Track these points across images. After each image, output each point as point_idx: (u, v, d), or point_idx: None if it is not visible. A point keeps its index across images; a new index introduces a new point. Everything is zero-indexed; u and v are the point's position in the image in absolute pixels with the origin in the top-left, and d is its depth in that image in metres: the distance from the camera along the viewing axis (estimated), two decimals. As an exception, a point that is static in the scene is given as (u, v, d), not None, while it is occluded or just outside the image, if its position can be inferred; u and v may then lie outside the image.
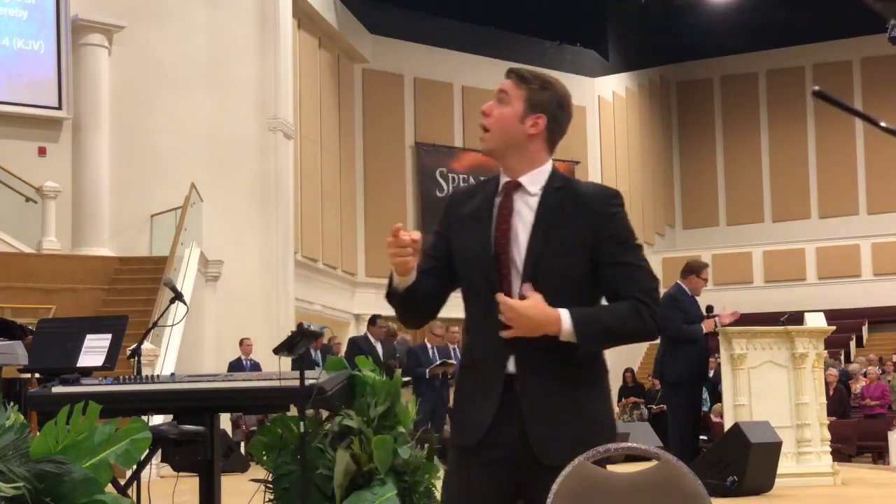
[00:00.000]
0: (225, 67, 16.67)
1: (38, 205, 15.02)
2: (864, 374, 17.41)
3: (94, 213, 15.69)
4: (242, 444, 13.57)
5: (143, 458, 4.25)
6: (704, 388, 11.09)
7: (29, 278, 13.57)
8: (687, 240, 28.20)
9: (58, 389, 4.76)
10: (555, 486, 2.37)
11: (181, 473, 5.13)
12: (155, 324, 7.43)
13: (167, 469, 6.46)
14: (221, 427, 8.88)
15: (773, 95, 28.35)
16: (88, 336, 5.19)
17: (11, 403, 3.44)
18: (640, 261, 2.64)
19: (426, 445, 5.09)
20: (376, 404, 4.90)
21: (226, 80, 16.65)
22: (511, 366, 2.59)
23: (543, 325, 2.52)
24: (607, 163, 25.45)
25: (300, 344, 4.40)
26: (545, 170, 2.68)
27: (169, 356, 12.28)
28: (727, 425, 8.70)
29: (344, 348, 13.89)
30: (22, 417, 3.36)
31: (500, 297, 2.54)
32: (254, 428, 13.67)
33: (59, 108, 15.75)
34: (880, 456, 14.86)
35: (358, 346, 11.98)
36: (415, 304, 2.74)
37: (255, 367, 13.89)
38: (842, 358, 21.69)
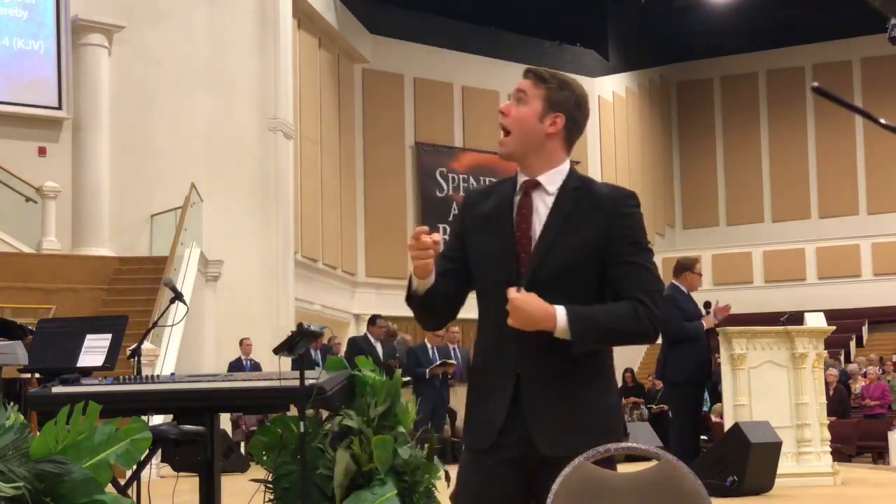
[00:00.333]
0: (225, 67, 16.67)
1: (38, 205, 15.01)
2: (864, 375, 17.41)
3: (94, 213, 15.69)
4: (242, 444, 13.57)
5: (143, 458, 4.25)
6: (704, 388, 11.09)
7: (29, 278, 13.56)
8: (687, 240, 28.19)
9: (58, 389, 4.76)
10: (555, 486, 2.37)
11: (181, 473, 5.12)
12: (155, 324, 7.43)
13: (167, 469, 6.45)
14: (221, 427, 8.88)
15: (773, 95, 28.34)
16: (88, 336, 5.19)
17: (11, 403, 3.44)
18: (648, 263, 2.65)
19: (426, 445, 5.09)
20: (376, 404, 4.90)
21: (226, 80, 16.65)
22: (520, 366, 2.60)
23: (539, 320, 2.53)
24: (607, 163, 25.44)
25: (300, 344, 4.40)
26: (563, 169, 2.70)
27: (169, 356, 12.27)
28: (727, 425, 8.70)
29: (344, 348, 13.90)
30: (22, 417, 3.36)
31: (509, 290, 2.55)
32: (254, 428, 13.66)
33: (59, 108, 15.75)
34: (880, 456, 14.86)
35: (358, 346, 11.98)
36: (434, 306, 2.74)
37: (255, 367, 13.89)
38: (842, 358, 21.69)
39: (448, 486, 5.27)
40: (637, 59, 27.59)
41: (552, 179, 2.68)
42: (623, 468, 2.55)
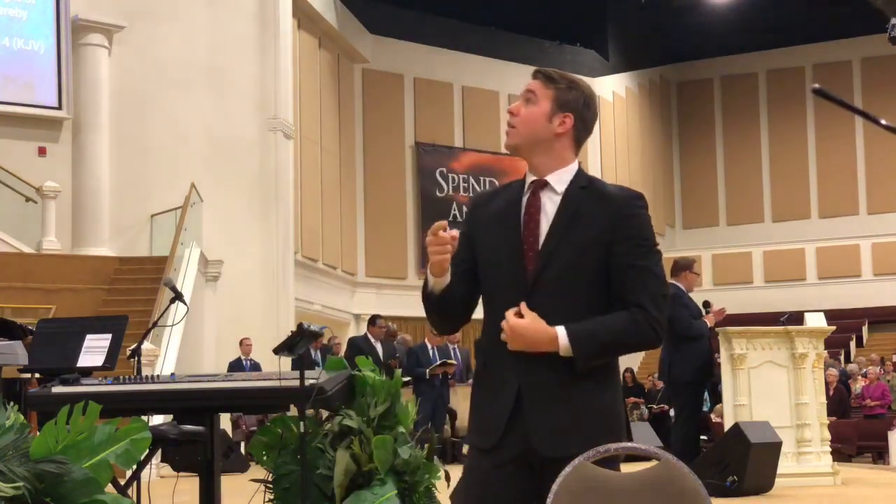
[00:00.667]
0: (225, 67, 16.67)
1: (38, 205, 15.02)
2: (864, 375, 17.41)
3: (94, 213, 15.69)
4: (242, 444, 13.57)
5: (143, 458, 4.25)
6: (705, 388, 11.10)
7: (29, 278, 13.57)
8: (687, 240, 28.18)
9: (58, 389, 4.76)
10: (555, 486, 2.37)
11: (181, 473, 5.12)
12: (155, 324, 7.43)
13: (167, 469, 6.46)
14: (221, 427, 8.87)
15: (773, 95, 28.34)
16: (88, 336, 5.19)
17: (11, 403, 3.44)
18: (655, 266, 2.64)
19: (426, 445, 5.09)
20: (376, 404, 4.90)
21: (226, 80, 16.65)
22: (523, 365, 2.60)
23: (539, 343, 2.55)
24: (607, 163, 25.44)
25: (300, 344, 4.40)
26: (571, 169, 2.70)
27: (169, 356, 12.27)
28: (727, 425, 8.70)
29: (344, 348, 13.90)
30: (22, 417, 3.36)
31: (507, 314, 2.56)
32: (254, 428, 13.67)
33: (59, 108, 15.75)
34: (880, 456, 14.86)
35: (357, 347, 11.98)
36: (450, 307, 2.74)
37: (255, 367, 13.89)
38: (842, 358, 21.68)
39: (448, 486, 5.27)
40: (637, 59, 27.59)
41: (560, 179, 2.68)
42: (623, 468, 2.55)
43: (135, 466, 4.60)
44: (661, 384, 15.85)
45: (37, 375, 5.46)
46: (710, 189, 28.86)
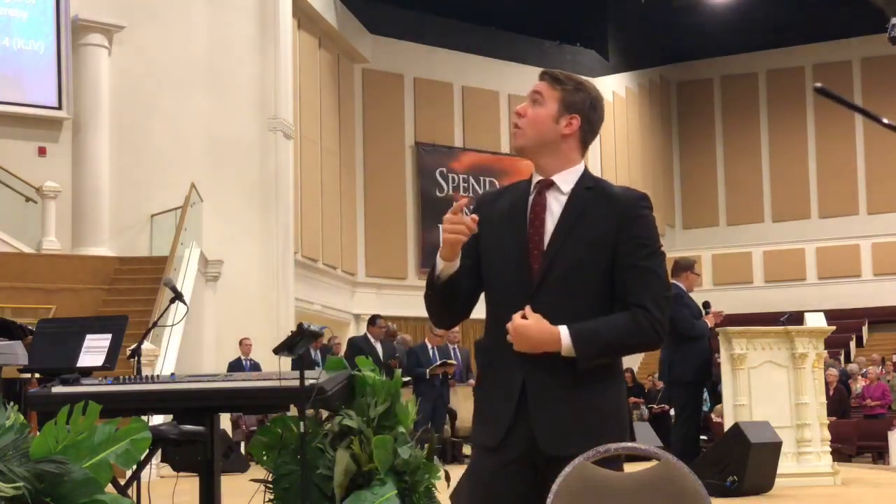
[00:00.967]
0: (225, 67, 16.67)
1: (38, 205, 15.02)
2: (864, 375, 17.41)
3: (94, 213, 15.69)
4: (242, 444, 13.57)
5: (143, 458, 4.25)
6: (704, 388, 11.11)
7: (29, 278, 13.57)
8: (687, 240, 28.18)
9: (58, 389, 4.75)
10: (555, 486, 2.37)
11: (181, 473, 5.12)
12: (155, 324, 7.43)
13: (167, 469, 6.46)
14: (221, 427, 8.87)
15: (773, 95, 28.33)
16: (88, 336, 5.18)
17: (11, 403, 3.44)
18: (658, 267, 2.65)
19: (426, 445, 5.08)
20: (376, 404, 4.90)
21: (226, 80, 16.65)
22: (527, 364, 2.61)
23: (542, 343, 2.56)
24: (607, 163, 25.44)
25: (300, 344, 4.40)
26: (577, 170, 2.72)
27: (169, 356, 12.27)
28: (727, 425, 8.70)
29: (344, 348, 13.89)
30: (22, 417, 3.36)
31: (514, 317, 2.57)
32: (254, 428, 13.67)
33: (59, 108, 15.75)
34: (880, 456, 14.86)
35: (357, 347, 11.98)
36: (453, 298, 2.73)
37: (255, 367, 13.89)
38: (842, 358, 21.69)
39: (448, 486, 5.27)
40: (637, 59, 27.58)
41: (566, 179, 2.70)
42: (624, 468, 2.55)
43: (135, 466, 4.60)
44: (661, 384, 15.85)
45: (37, 375, 5.46)
46: (710, 189, 28.85)
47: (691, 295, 8.86)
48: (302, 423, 4.42)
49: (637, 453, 2.49)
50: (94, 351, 5.13)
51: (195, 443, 4.83)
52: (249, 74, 16.85)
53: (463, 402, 13.84)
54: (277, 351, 4.44)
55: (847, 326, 22.56)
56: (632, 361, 22.00)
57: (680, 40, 28.05)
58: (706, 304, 9.08)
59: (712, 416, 14.25)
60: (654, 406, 17.01)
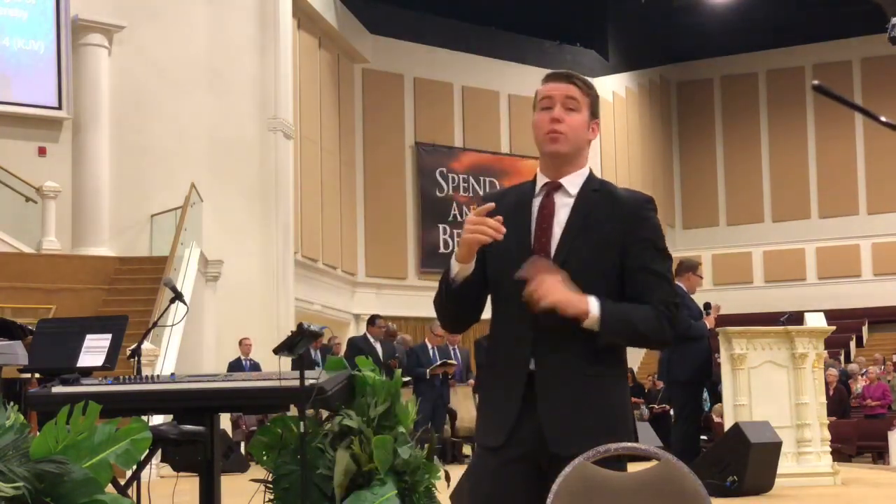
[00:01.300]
0: (225, 67, 16.67)
1: (38, 205, 15.02)
2: (864, 375, 17.41)
3: (94, 213, 15.69)
4: (242, 444, 13.57)
5: (143, 458, 4.25)
6: (704, 388, 11.12)
7: (29, 278, 13.57)
8: (687, 240, 28.19)
9: (58, 389, 4.75)
10: (555, 486, 2.37)
11: (181, 473, 5.12)
12: (155, 324, 7.43)
13: (167, 469, 6.46)
14: (221, 427, 8.88)
15: (773, 95, 28.33)
16: (88, 336, 5.19)
17: (11, 403, 3.44)
18: (667, 272, 2.68)
19: (426, 445, 5.08)
20: (376, 404, 4.90)
21: (226, 80, 16.65)
22: (532, 364, 2.61)
23: (572, 301, 2.54)
24: (607, 163, 25.44)
25: (300, 344, 4.40)
26: (584, 172, 2.74)
27: (169, 356, 12.27)
28: (727, 425, 8.70)
29: (344, 348, 13.90)
30: (22, 417, 3.36)
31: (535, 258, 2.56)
32: (254, 428, 13.66)
33: (59, 108, 15.75)
34: (880, 456, 14.86)
35: (357, 347, 11.98)
36: (466, 302, 2.71)
37: (255, 367, 13.89)
38: (842, 358, 21.69)
39: (448, 486, 5.27)
40: (637, 59, 27.58)
41: (573, 182, 2.71)
42: (624, 468, 2.56)
43: (135, 466, 4.60)
44: (661, 384, 15.85)
45: (37, 375, 5.47)
46: (710, 189, 28.86)
47: (693, 297, 8.87)
48: (302, 423, 4.42)
49: (637, 453, 2.49)
50: (94, 351, 5.13)
51: (195, 443, 4.83)
52: (249, 74, 16.85)
53: (463, 402, 13.83)
54: (277, 351, 4.44)
55: (847, 326, 22.57)
56: (632, 361, 21.90)
57: (680, 40, 28.05)
58: (707, 305, 9.09)
59: (712, 416, 14.25)
60: (654, 406, 17.01)
